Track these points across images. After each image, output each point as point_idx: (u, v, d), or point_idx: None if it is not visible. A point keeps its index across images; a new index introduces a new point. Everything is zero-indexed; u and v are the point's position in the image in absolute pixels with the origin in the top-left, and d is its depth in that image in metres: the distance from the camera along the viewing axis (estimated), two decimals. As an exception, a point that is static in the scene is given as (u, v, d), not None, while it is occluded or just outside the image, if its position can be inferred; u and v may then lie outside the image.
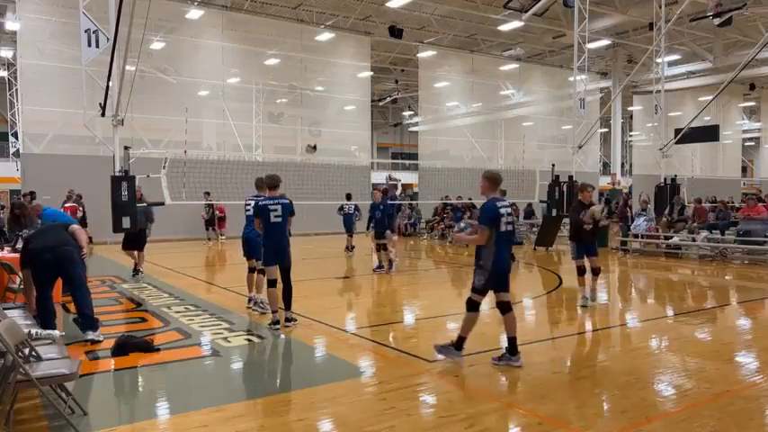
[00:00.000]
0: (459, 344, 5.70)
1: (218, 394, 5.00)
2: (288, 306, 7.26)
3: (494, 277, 5.54)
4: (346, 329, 7.31)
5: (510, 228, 5.61)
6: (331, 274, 12.06)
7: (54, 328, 5.97)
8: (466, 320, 5.68)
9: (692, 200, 17.48)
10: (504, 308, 5.65)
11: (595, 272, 8.53)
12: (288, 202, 7.21)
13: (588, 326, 7.65)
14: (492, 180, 5.69)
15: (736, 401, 4.77)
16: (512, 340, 5.62)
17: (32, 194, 16.22)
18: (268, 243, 7.12)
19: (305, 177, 19.92)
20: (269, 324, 7.16)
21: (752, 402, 4.81)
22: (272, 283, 7.14)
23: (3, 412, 4.02)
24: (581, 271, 8.46)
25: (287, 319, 7.18)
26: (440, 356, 5.74)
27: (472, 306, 5.66)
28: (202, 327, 7.23)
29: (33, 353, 4.34)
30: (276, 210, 7.03)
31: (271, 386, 5.43)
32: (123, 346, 6.00)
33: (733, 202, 18.48)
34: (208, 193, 16.46)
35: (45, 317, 6.06)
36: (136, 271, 11.40)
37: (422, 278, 12.62)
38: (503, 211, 5.53)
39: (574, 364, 5.99)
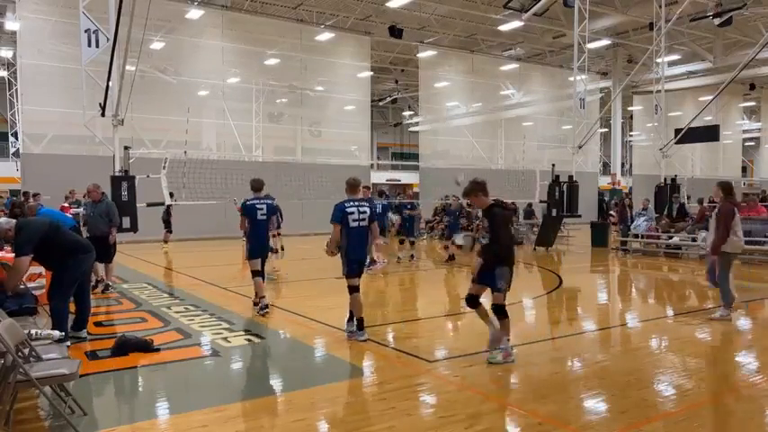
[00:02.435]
0: (360, 324, 6.57)
1: (218, 394, 4.99)
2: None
3: (349, 264, 6.53)
4: (346, 329, 7.30)
5: (361, 224, 6.50)
6: (330, 274, 12.04)
7: (67, 331, 6.00)
8: (352, 302, 6.59)
9: (696, 201, 17.51)
10: (352, 291, 6.59)
11: (493, 309, 5.71)
12: (271, 202, 8.16)
13: (588, 326, 7.65)
14: (348, 185, 6.75)
15: (736, 401, 4.77)
16: (360, 321, 6.55)
17: (26, 195, 16.18)
18: (254, 238, 7.98)
19: (305, 177, 19.93)
20: (259, 309, 7.87)
21: (752, 402, 4.80)
22: (256, 273, 7.98)
23: (3, 412, 4.02)
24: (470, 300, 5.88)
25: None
26: (352, 338, 6.56)
27: (352, 290, 6.59)
28: (202, 327, 7.23)
29: (33, 353, 4.34)
30: (262, 209, 7.90)
31: (271, 386, 5.44)
32: (123, 346, 6.00)
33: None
34: (171, 194, 14.98)
35: (63, 319, 6.03)
36: (105, 285, 9.65)
37: (422, 278, 12.61)
38: (350, 210, 6.46)
39: (574, 364, 5.99)
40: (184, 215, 18.19)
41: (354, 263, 6.56)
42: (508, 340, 5.68)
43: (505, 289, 5.63)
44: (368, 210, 6.62)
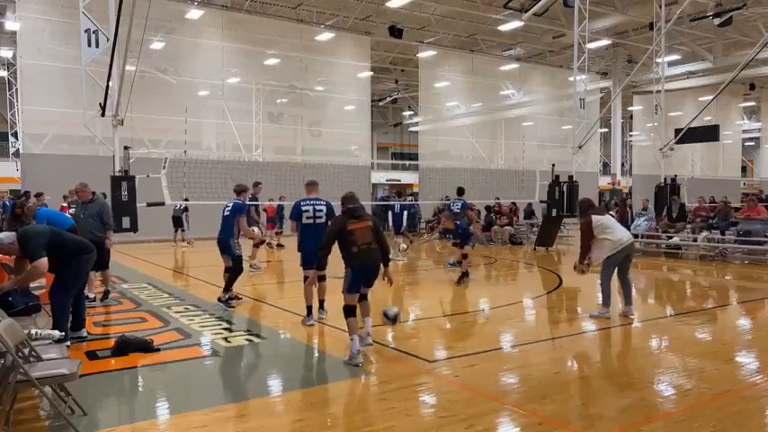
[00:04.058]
0: (309, 311, 7.37)
1: (218, 394, 5.00)
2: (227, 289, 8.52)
3: (305, 257, 7.20)
4: (346, 329, 7.30)
5: (316, 221, 7.24)
6: (331, 275, 12.04)
7: (67, 331, 5.99)
8: (304, 289, 7.33)
9: (696, 199, 17.48)
10: (320, 279, 7.35)
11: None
12: (240, 203, 8.69)
13: (588, 326, 7.65)
14: (306, 184, 7.57)
15: (736, 401, 4.77)
16: (321, 302, 7.59)
17: (26, 194, 16.19)
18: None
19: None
20: (226, 301, 8.42)
21: (752, 402, 4.81)
22: (227, 270, 8.57)
23: (3, 412, 4.01)
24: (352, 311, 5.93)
25: (227, 299, 8.45)
26: (309, 323, 7.30)
27: (305, 279, 7.24)
28: (202, 327, 7.24)
29: (33, 353, 4.34)
30: (229, 206, 8.63)
31: (271, 386, 5.43)
32: (123, 346, 6.00)
33: (730, 202, 18.36)
34: (186, 200, 15.58)
35: (65, 319, 6.02)
36: (104, 293, 8.94)
37: (422, 278, 12.61)
38: (305, 208, 7.28)
39: (574, 364, 5.99)
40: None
41: (308, 255, 7.12)
42: (352, 340, 5.77)
43: (344, 291, 5.93)
44: (324, 207, 7.35)
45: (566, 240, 19.46)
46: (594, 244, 7.84)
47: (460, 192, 13.85)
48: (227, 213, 8.55)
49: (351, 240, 5.79)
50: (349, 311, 5.85)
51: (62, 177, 16.90)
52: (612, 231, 7.79)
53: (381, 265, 5.95)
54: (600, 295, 8.10)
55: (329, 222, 7.24)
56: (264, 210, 18.58)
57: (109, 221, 8.63)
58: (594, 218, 7.78)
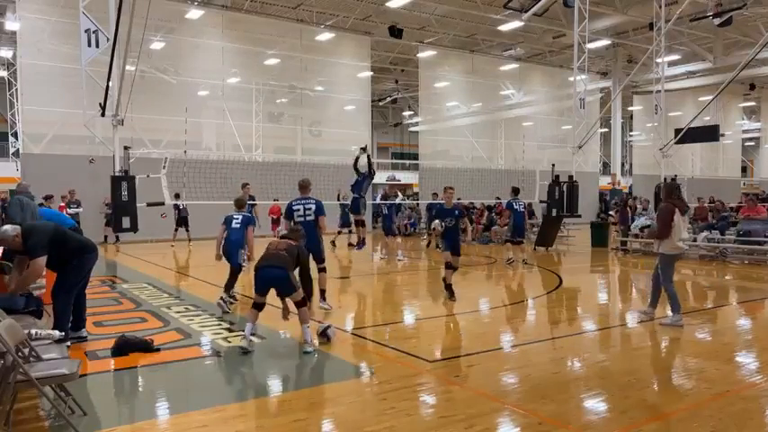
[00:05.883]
0: (322, 295, 8.07)
1: (218, 394, 4.99)
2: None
3: None
4: (346, 329, 7.31)
5: (306, 219, 7.75)
6: (330, 275, 12.03)
7: (67, 331, 5.99)
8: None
9: (694, 199, 17.45)
10: (320, 270, 8.08)
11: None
12: (249, 216, 8.97)
13: (588, 326, 7.66)
14: (299, 185, 8.10)
15: (736, 401, 4.77)
16: (322, 291, 8.12)
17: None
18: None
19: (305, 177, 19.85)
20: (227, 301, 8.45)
21: (752, 402, 4.81)
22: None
23: (3, 412, 4.01)
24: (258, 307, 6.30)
25: (230, 297, 8.50)
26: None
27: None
28: (202, 327, 7.23)
29: (33, 353, 4.33)
30: (237, 219, 8.76)
31: (270, 386, 5.43)
32: (123, 347, 5.99)
33: (728, 205, 18.32)
34: (178, 195, 15.30)
35: (66, 319, 6.03)
36: None
37: (422, 278, 12.62)
38: (296, 207, 7.84)
39: (574, 364, 5.99)
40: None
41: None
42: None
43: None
44: (313, 206, 7.82)
45: (566, 240, 19.47)
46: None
47: (517, 191, 13.91)
48: (237, 225, 8.66)
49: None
50: (252, 305, 6.28)
51: (62, 177, 16.93)
52: (678, 234, 7.52)
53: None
54: (668, 302, 7.60)
55: (318, 219, 7.84)
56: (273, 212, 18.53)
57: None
58: (677, 212, 7.47)
